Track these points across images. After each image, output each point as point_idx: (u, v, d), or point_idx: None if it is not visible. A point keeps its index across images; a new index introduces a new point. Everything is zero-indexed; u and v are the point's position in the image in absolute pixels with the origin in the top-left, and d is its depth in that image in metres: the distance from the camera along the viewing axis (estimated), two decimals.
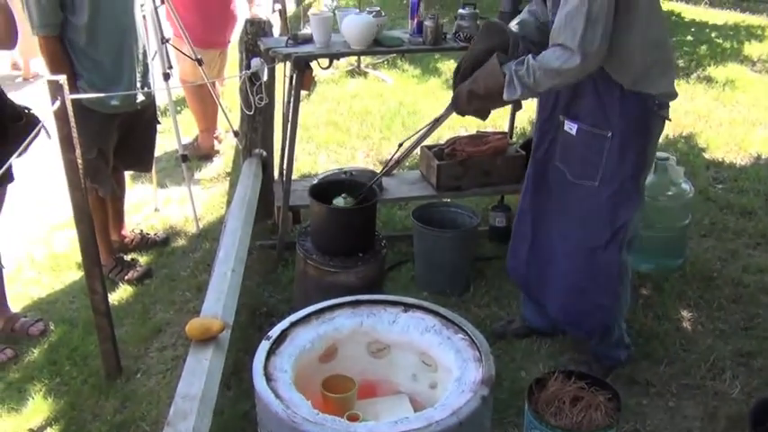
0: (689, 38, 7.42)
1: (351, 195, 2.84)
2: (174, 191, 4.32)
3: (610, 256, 2.46)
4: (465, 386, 1.84)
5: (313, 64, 3.15)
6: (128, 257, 3.52)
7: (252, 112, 3.46)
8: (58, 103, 2.27)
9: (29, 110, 2.74)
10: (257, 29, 3.40)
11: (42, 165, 3.59)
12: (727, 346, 2.87)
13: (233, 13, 4.59)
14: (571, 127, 2.44)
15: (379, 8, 3.24)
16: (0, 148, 2.57)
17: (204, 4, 4.36)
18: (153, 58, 3.41)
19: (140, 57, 3.19)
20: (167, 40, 3.67)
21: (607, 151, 2.36)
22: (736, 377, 2.69)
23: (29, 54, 6.22)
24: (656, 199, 3.28)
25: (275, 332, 2.04)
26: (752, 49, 7.00)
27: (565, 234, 2.56)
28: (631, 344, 2.75)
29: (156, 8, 3.54)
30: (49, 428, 2.56)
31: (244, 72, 3.40)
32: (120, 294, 3.30)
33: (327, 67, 3.29)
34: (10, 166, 2.44)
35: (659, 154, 3.33)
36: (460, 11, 3.21)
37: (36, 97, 2.87)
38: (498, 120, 4.50)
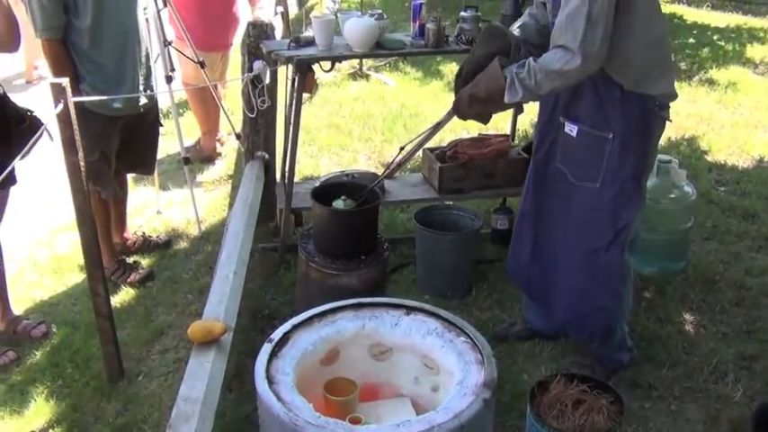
0: (691, 40, 7.41)
1: (352, 198, 2.84)
2: (176, 193, 4.32)
3: (611, 257, 2.46)
4: (467, 389, 1.84)
5: (315, 67, 3.16)
6: (130, 260, 3.52)
7: (254, 115, 3.46)
8: (60, 106, 2.28)
9: (31, 112, 2.75)
10: (259, 31, 3.41)
11: (45, 167, 3.60)
12: (729, 349, 2.86)
13: (235, 16, 4.60)
14: (571, 129, 2.44)
15: (381, 11, 3.25)
16: (3, 151, 2.58)
17: (206, 7, 4.37)
18: (155, 61, 3.41)
19: (143, 59, 3.19)
20: (170, 43, 3.68)
21: (608, 152, 2.36)
22: (738, 380, 2.68)
23: (32, 57, 6.23)
24: (659, 202, 3.28)
25: (277, 335, 2.04)
26: (754, 51, 6.99)
27: (566, 235, 2.56)
28: (634, 347, 2.75)
29: (158, 11, 3.55)
30: (50, 431, 2.56)
31: (246, 75, 3.40)
32: (122, 297, 3.30)
33: (329, 70, 3.29)
34: (13, 169, 2.44)
35: (661, 157, 3.33)
36: (462, 14, 3.21)
37: (39, 99, 2.87)
38: (500, 122, 4.50)
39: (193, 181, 4.03)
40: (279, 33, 4.62)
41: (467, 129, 4.76)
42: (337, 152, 4.81)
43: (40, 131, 2.45)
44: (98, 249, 2.59)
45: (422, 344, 2.09)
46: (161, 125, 3.54)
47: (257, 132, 3.62)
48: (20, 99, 2.84)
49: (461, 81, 2.48)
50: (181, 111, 4.83)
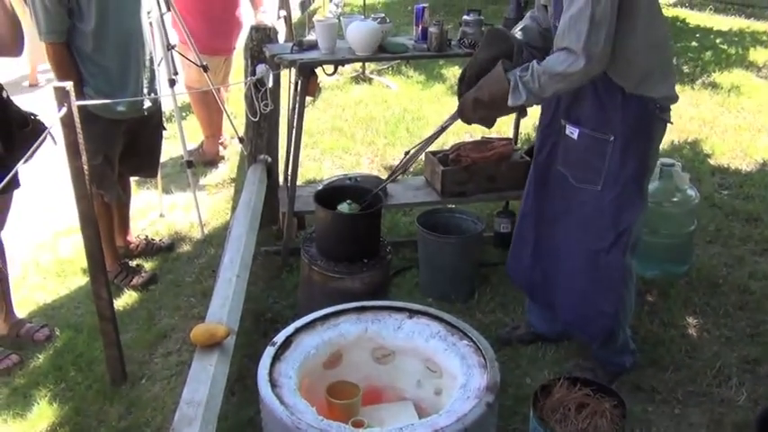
0: (694, 44, 7.41)
1: (355, 201, 2.84)
2: (179, 197, 4.33)
3: (613, 259, 2.46)
4: (470, 393, 1.84)
5: (318, 70, 3.16)
6: (133, 263, 3.53)
7: (257, 119, 3.47)
8: (64, 110, 2.28)
9: (35, 116, 2.76)
10: (262, 35, 3.42)
11: (48, 170, 3.61)
12: (733, 352, 2.86)
13: (238, 20, 4.61)
14: (572, 131, 2.44)
15: (383, 15, 3.25)
16: (6, 155, 2.59)
17: (210, 11, 4.38)
18: (159, 65, 3.42)
19: (147, 63, 3.20)
20: (173, 47, 3.69)
21: (609, 155, 2.36)
22: (742, 384, 2.68)
23: (36, 60, 6.25)
24: (662, 205, 3.28)
25: (280, 338, 2.04)
26: (757, 54, 6.99)
27: (567, 237, 2.56)
28: (637, 350, 2.74)
29: (161, 15, 3.56)
30: None
31: (249, 78, 3.41)
32: (125, 300, 3.31)
33: (332, 74, 3.30)
34: (16, 173, 2.44)
35: (664, 160, 3.33)
36: (465, 17, 3.22)
37: (43, 103, 2.87)
38: (503, 126, 4.50)
39: (196, 184, 4.03)
40: (282, 37, 4.64)
41: (470, 132, 4.76)
42: (340, 155, 4.82)
43: (43, 135, 2.46)
44: (101, 252, 2.59)
45: (425, 347, 2.09)
46: (164, 129, 3.55)
47: (260, 136, 3.63)
48: (23, 102, 2.85)
49: (464, 85, 2.48)
50: (184, 114, 4.84)
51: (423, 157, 3.48)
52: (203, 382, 2.01)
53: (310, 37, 3.22)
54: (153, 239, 3.74)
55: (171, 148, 4.58)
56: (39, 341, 3.02)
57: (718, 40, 7.56)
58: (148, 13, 3.29)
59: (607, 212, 2.42)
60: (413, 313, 2.17)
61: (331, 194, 2.92)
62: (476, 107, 2.40)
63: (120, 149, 3.23)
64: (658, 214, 3.25)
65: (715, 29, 8.05)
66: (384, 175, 4.01)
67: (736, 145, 4.90)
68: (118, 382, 2.74)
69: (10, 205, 2.89)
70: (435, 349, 2.07)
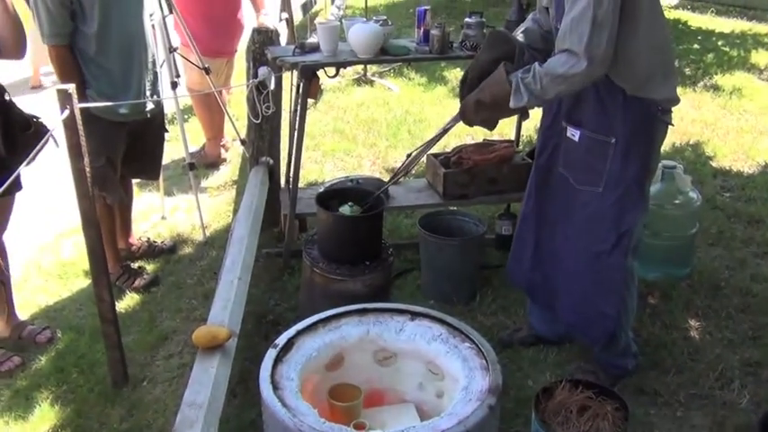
0: (695, 46, 7.41)
1: (357, 203, 2.84)
2: (180, 199, 4.33)
3: (615, 261, 2.46)
4: (472, 395, 1.84)
5: (320, 72, 3.16)
6: (135, 265, 3.53)
7: (259, 121, 3.47)
8: (67, 112, 2.29)
9: (37, 118, 2.76)
10: (264, 38, 3.42)
11: (50, 172, 3.61)
12: (735, 355, 2.85)
13: (240, 23, 4.62)
14: (574, 133, 2.44)
15: (385, 17, 3.26)
16: (9, 157, 2.59)
17: (211, 14, 4.38)
18: (161, 67, 3.43)
19: (149, 65, 3.21)
20: (175, 49, 3.69)
21: (610, 157, 2.36)
22: (744, 387, 2.67)
23: (39, 62, 6.26)
24: (664, 207, 3.28)
25: (282, 340, 2.04)
26: (759, 57, 6.99)
27: (568, 239, 2.56)
28: (639, 353, 2.74)
29: (164, 17, 3.56)
30: None
31: (251, 81, 3.41)
32: (126, 302, 3.31)
33: (334, 76, 3.30)
34: (18, 175, 2.45)
35: (666, 162, 3.33)
36: (467, 19, 3.22)
37: (46, 104, 2.88)
38: (505, 128, 4.50)
39: (198, 186, 4.04)
40: (284, 39, 4.64)
41: (471, 134, 4.76)
42: (342, 158, 4.82)
43: (45, 138, 2.46)
44: (103, 255, 2.59)
45: (426, 349, 2.09)
46: (166, 131, 3.55)
47: (262, 138, 3.63)
48: (27, 104, 2.85)
49: (466, 87, 2.48)
50: (186, 117, 4.85)
51: (424, 159, 3.48)
52: (205, 385, 2.01)
53: (312, 39, 3.23)
54: (155, 241, 3.75)
55: (173, 150, 4.58)
56: (40, 343, 3.02)
57: (719, 43, 7.56)
58: (151, 15, 3.30)
59: (608, 214, 2.41)
60: (414, 315, 2.17)
61: (332, 197, 2.92)
62: (477, 109, 2.40)
63: (122, 151, 3.24)
64: (660, 216, 3.25)
65: (717, 31, 8.05)
66: (386, 178, 4.01)
67: (738, 147, 4.89)
68: (119, 385, 2.74)
69: (12, 207, 2.89)
70: (437, 351, 2.07)
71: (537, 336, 2.90)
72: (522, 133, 4.04)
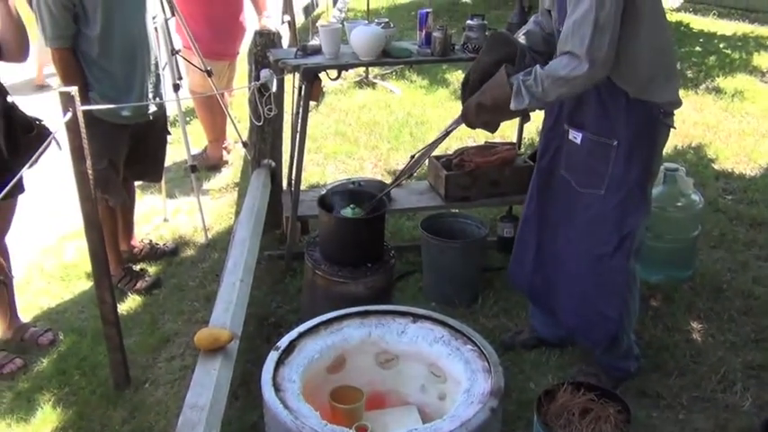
0: (697, 49, 7.41)
1: (359, 206, 2.84)
2: (183, 201, 4.34)
3: (617, 263, 2.45)
4: (474, 397, 1.84)
5: (322, 75, 3.17)
6: (137, 267, 3.53)
7: (261, 123, 3.47)
8: (69, 115, 2.29)
9: (40, 121, 2.77)
10: (266, 40, 3.42)
11: (52, 175, 3.62)
12: (737, 358, 2.85)
13: (242, 25, 4.62)
14: (576, 136, 2.44)
15: (387, 19, 3.26)
16: (11, 159, 2.60)
17: (214, 16, 4.39)
18: (163, 69, 3.43)
19: (152, 68, 3.21)
20: (177, 52, 3.70)
21: (612, 159, 2.36)
22: (747, 390, 2.67)
23: (43, 61, 6.27)
24: (666, 210, 3.28)
25: (284, 342, 2.04)
26: (761, 59, 6.98)
27: (570, 242, 2.56)
28: (641, 355, 2.74)
29: (166, 20, 3.57)
30: None
31: (253, 83, 3.42)
32: (128, 304, 3.31)
33: (336, 78, 3.30)
34: (20, 177, 2.45)
35: (668, 165, 3.33)
36: (469, 22, 3.22)
37: (51, 104, 2.88)
38: (506, 130, 4.50)
39: (200, 189, 4.04)
40: (286, 42, 4.65)
41: (473, 137, 4.76)
42: (344, 160, 4.83)
43: (47, 140, 2.46)
44: (105, 257, 2.59)
45: (428, 352, 2.09)
46: (169, 133, 3.56)
47: (264, 140, 3.63)
48: (32, 104, 2.86)
49: (468, 89, 2.48)
50: (188, 119, 4.86)
51: (426, 161, 3.48)
52: (207, 387, 2.01)
53: (314, 42, 3.23)
54: (157, 244, 3.75)
55: (175, 152, 4.59)
56: (43, 345, 3.02)
57: (721, 45, 7.55)
58: (153, 18, 3.30)
59: (611, 217, 2.41)
60: (416, 318, 2.17)
61: (334, 199, 2.92)
62: (479, 112, 2.40)
63: (124, 154, 3.24)
64: (662, 219, 3.25)
65: (719, 34, 8.04)
66: (387, 180, 4.02)
67: (740, 150, 4.89)
68: (121, 387, 2.74)
69: (15, 210, 2.90)
70: (439, 354, 2.07)
71: (539, 338, 2.89)
72: (523, 136, 4.04)
